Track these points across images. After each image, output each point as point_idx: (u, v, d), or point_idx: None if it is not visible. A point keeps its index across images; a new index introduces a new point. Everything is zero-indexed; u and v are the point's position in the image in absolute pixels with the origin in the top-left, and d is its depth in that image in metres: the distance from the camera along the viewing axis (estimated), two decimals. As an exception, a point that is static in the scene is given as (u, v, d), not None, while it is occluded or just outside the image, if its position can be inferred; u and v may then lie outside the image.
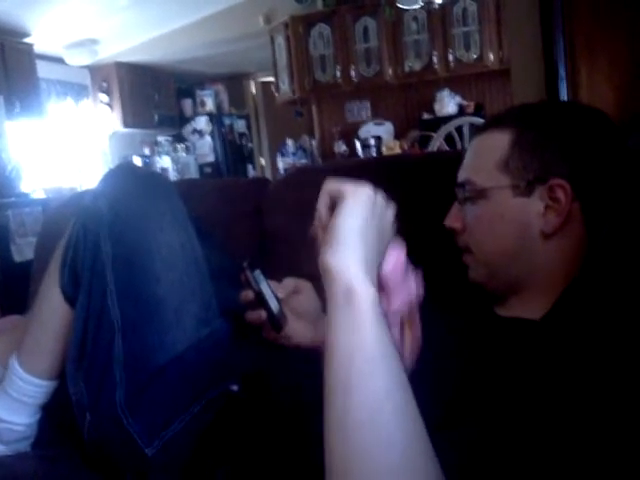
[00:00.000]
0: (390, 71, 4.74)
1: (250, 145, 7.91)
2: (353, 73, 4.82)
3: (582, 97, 2.42)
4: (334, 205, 0.63)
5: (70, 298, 0.92)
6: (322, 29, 4.94)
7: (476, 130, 0.95)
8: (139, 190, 0.92)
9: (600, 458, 0.54)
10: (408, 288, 0.67)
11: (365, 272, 0.58)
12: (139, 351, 0.83)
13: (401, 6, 4.23)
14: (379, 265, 0.65)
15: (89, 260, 0.87)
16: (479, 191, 0.85)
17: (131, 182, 0.94)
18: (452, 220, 0.90)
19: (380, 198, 0.65)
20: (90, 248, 0.87)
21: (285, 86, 5.23)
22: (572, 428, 0.57)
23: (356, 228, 0.60)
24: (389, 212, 0.66)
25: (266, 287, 0.91)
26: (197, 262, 0.92)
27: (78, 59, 5.81)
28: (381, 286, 0.64)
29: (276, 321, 0.91)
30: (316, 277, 1.01)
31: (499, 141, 0.85)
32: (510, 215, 0.83)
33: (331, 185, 0.64)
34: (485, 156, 0.86)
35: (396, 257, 0.66)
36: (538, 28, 2.74)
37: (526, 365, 0.68)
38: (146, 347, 0.83)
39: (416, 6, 4.24)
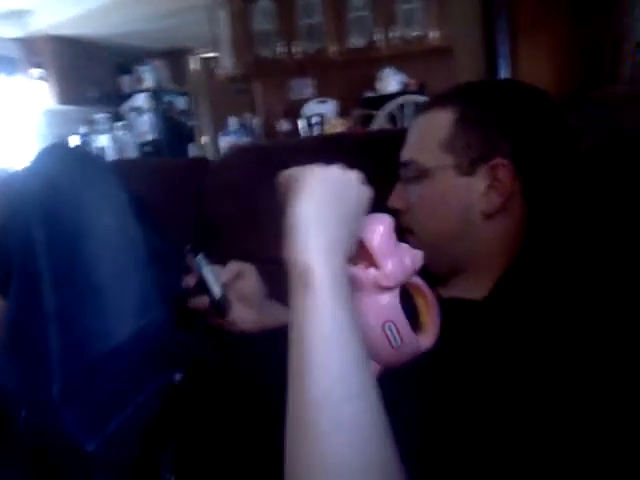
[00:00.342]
0: (333, 48, 4.70)
1: (191, 123, 7.76)
2: (297, 49, 4.76)
3: (522, 75, 2.46)
4: None
5: (1, 287, 0.88)
6: (265, 3, 4.84)
7: (420, 109, 0.95)
8: (74, 171, 0.88)
9: (543, 433, 0.55)
10: (400, 258, 0.66)
11: (324, 254, 0.57)
12: (76, 341, 0.79)
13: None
14: (357, 238, 0.64)
15: (20, 246, 0.83)
16: (422, 171, 0.85)
17: (65, 163, 0.89)
18: (395, 200, 0.90)
19: (339, 176, 0.63)
20: (21, 233, 0.83)
21: (226, 62, 5.12)
22: (512, 407, 0.58)
23: (309, 213, 0.59)
24: (355, 185, 0.64)
25: (209, 272, 0.89)
26: (136, 246, 0.89)
27: (8, 31, 5.54)
28: (366, 255, 0.64)
29: (220, 306, 0.89)
30: (260, 259, 1.00)
31: (442, 120, 0.85)
32: (453, 195, 0.83)
33: (282, 178, 0.64)
34: (429, 135, 0.86)
35: (379, 226, 0.65)
36: (480, 6, 2.77)
37: (467, 345, 0.68)
38: (84, 336, 0.80)
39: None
